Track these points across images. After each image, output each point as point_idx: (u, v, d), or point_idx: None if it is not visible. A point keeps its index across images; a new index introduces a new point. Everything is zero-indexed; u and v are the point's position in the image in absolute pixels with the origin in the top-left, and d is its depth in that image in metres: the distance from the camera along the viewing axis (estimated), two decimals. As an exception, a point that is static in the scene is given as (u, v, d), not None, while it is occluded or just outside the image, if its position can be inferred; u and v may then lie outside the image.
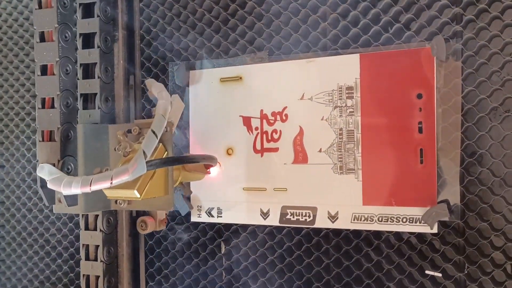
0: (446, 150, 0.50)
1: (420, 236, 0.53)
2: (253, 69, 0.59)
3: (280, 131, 0.58)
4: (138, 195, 0.48)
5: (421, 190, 0.51)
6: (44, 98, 0.57)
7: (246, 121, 0.59)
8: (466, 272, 0.51)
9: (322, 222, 0.56)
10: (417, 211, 0.51)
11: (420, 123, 0.51)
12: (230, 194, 0.60)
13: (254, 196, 0.59)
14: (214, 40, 0.62)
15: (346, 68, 0.54)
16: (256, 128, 0.59)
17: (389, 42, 0.53)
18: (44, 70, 0.57)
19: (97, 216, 0.61)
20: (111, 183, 0.45)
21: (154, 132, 0.48)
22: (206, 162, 0.57)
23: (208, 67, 0.61)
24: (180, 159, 0.53)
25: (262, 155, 0.58)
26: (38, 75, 0.57)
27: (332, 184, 0.55)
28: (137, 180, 0.48)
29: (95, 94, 0.60)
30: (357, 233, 0.56)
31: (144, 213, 0.61)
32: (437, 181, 0.51)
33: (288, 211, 0.57)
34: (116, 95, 0.63)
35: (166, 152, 0.51)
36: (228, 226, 0.62)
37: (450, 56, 0.50)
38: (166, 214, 0.61)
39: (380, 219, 0.53)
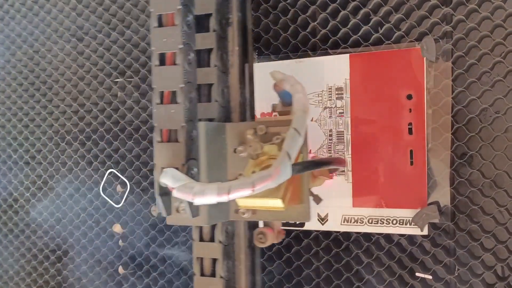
0: (436, 152, 0.50)
1: (410, 238, 0.53)
2: (242, 70, 0.58)
3: (270, 132, 0.57)
4: (282, 205, 0.42)
5: (411, 192, 0.51)
6: (163, 92, 0.48)
7: (235, 122, 0.59)
8: (457, 274, 0.51)
9: (311, 224, 0.55)
10: (407, 213, 0.51)
11: (410, 124, 0.51)
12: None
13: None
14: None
15: (336, 68, 0.54)
16: (245, 129, 0.58)
17: (379, 43, 0.53)
18: (162, 59, 0.48)
19: (214, 224, 0.51)
20: (253, 190, 0.38)
21: (297, 131, 0.41)
22: (341, 166, 0.52)
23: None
24: (322, 162, 0.48)
25: (251, 157, 0.58)
26: (156, 65, 0.48)
27: (322, 185, 0.54)
28: (280, 187, 0.42)
29: (211, 85, 0.51)
30: (347, 235, 0.55)
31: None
32: (427, 183, 0.50)
33: (278, 213, 0.56)
34: (232, 87, 0.53)
35: (302, 155, 0.46)
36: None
37: (440, 57, 0.50)
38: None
39: (370, 221, 0.53)
